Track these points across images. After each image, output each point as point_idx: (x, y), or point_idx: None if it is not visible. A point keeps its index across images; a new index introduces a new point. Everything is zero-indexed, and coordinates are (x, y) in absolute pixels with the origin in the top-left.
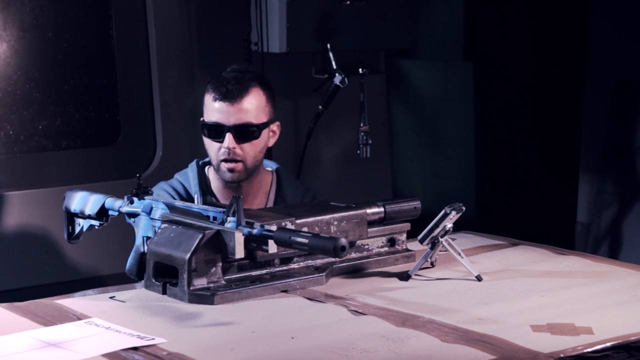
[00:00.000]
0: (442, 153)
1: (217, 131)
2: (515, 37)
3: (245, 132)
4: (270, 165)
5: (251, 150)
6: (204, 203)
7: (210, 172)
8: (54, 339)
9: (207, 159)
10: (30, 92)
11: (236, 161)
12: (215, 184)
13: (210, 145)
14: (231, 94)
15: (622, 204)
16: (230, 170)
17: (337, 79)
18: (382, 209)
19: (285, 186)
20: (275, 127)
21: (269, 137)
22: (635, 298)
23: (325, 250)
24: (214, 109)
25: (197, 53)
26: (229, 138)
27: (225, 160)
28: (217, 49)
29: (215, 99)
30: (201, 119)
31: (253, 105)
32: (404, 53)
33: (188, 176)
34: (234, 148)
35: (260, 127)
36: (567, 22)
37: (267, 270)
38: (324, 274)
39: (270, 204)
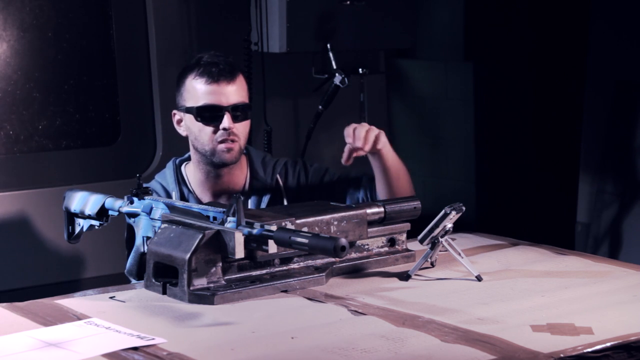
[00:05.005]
0: (442, 153)
1: (213, 113)
2: (515, 37)
3: (241, 112)
4: None
5: (244, 130)
6: (181, 198)
7: (187, 168)
8: (54, 339)
9: (184, 157)
10: (30, 92)
11: (233, 141)
12: (193, 178)
13: (202, 130)
14: (225, 75)
15: (622, 204)
16: (229, 150)
17: (337, 79)
18: (382, 209)
19: (256, 164)
20: None
21: None
22: (635, 298)
23: (325, 250)
24: (206, 92)
25: (197, 53)
26: (227, 118)
27: (224, 141)
28: (217, 49)
29: (208, 82)
30: (184, 107)
31: (243, 86)
32: (404, 53)
33: (166, 175)
34: (233, 128)
35: (251, 107)
36: (567, 22)
37: (267, 270)
38: (324, 274)
39: (247, 187)
